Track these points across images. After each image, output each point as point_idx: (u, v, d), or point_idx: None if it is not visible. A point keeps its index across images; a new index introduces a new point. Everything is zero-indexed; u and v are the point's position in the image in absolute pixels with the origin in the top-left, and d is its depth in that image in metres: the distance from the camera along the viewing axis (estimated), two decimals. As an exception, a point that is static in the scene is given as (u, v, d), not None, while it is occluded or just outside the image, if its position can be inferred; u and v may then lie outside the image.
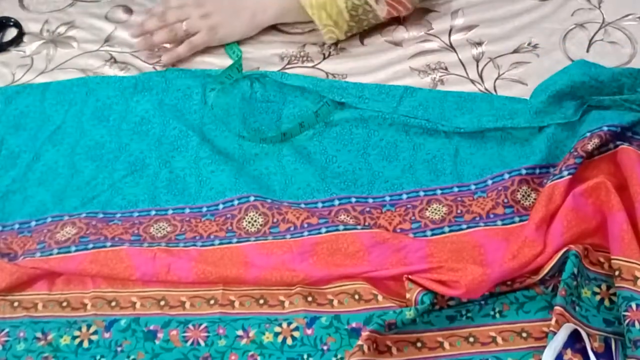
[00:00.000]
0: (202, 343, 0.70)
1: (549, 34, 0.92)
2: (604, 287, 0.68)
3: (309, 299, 0.71)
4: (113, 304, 0.73)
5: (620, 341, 0.64)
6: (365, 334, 0.64)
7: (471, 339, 0.67)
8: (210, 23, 0.88)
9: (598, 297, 0.68)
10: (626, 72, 0.81)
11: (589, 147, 0.73)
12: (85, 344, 0.70)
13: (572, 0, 0.95)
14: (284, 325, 0.69)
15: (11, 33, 0.99)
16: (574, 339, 0.63)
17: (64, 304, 0.73)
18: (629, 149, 0.73)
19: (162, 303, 0.72)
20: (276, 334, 0.69)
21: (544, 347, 0.63)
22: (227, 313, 0.71)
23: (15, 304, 0.73)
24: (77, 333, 0.71)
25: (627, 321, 0.62)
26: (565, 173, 0.72)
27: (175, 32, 0.88)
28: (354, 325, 0.69)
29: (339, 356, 0.67)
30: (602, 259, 0.69)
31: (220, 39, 0.90)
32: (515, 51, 0.90)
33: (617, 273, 0.65)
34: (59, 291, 0.74)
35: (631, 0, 0.94)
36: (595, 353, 0.62)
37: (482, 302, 0.69)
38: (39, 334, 0.71)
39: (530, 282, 0.68)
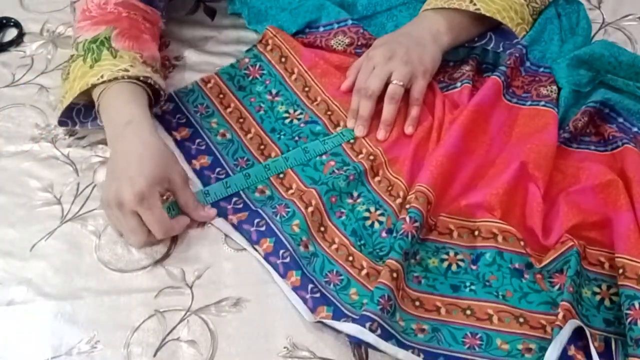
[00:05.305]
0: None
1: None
2: (604, 287, 0.68)
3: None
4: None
5: (621, 341, 0.65)
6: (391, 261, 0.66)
7: (468, 312, 0.67)
8: (415, 62, 0.80)
9: (598, 297, 0.68)
10: None
11: (579, 124, 0.77)
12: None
13: (572, 0, 0.95)
14: None
15: (11, 33, 0.98)
16: (576, 336, 0.63)
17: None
18: (633, 150, 0.74)
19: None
20: None
21: (537, 336, 0.64)
22: None
23: None
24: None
25: (629, 319, 0.63)
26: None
27: (398, 94, 0.80)
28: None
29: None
30: (602, 259, 0.70)
31: (432, 70, 0.83)
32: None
33: (620, 271, 0.65)
34: None
35: (631, 0, 0.95)
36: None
37: (487, 283, 0.69)
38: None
39: (539, 278, 0.69)
